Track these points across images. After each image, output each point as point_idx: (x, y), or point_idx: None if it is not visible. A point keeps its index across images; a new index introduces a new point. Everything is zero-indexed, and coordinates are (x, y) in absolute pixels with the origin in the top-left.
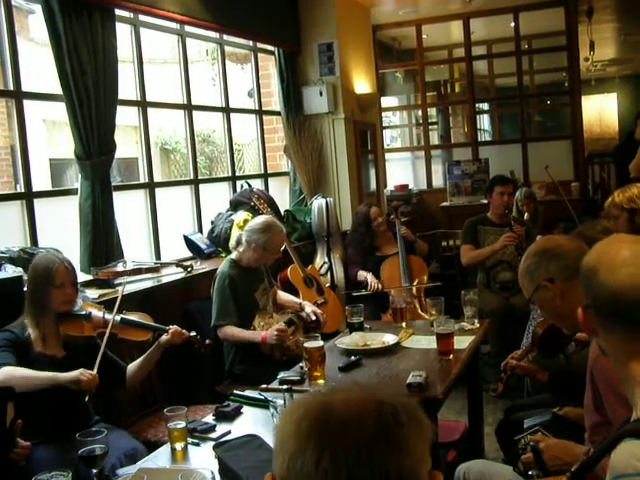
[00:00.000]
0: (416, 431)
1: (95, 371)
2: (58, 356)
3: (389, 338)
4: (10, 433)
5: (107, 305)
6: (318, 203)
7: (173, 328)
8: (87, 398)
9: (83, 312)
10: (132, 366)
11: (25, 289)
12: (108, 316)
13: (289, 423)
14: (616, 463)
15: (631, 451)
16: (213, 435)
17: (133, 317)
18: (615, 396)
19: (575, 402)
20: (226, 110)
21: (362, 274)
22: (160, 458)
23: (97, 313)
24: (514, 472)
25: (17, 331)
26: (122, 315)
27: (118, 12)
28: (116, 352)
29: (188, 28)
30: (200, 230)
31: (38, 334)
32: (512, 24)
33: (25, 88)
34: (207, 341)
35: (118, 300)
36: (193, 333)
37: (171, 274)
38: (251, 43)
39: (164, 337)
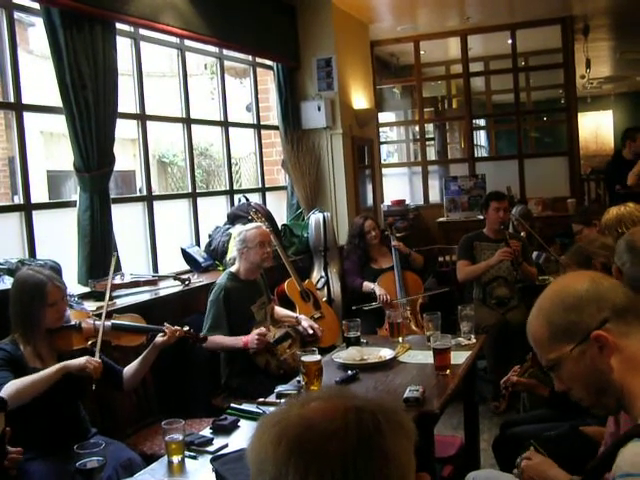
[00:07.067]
0: (399, 436)
1: (97, 357)
2: None
3: (386, 353)
4: (1, 443)
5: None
6: (315, 217)
7: (168, 329)
8: (94, 386)
9: (73, 323)
10: (128, 369)
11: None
12: (98, 323)
13: (265, 443)
14: (622, 462)
15: (638, 451)
16: (210, 448)
17: (124, 321)
18: None
19: (576, 416)
20: (224, 124)
21: (368, 285)
22: (157, 471)
23: (87, 322)
24: None
25: (9, 348)
26: (113, 320)
27: (119, 26)
28: (111, 359)
29: (188, 42)
30: (198, 243)
31: (31, 350)
32: (509, 41)
33: (24, 100)
34: (201, 334)
35: (105, 303)
36: (186, 328)
37: (168, 287)
38: (250, 58)
39: (159, 338)
